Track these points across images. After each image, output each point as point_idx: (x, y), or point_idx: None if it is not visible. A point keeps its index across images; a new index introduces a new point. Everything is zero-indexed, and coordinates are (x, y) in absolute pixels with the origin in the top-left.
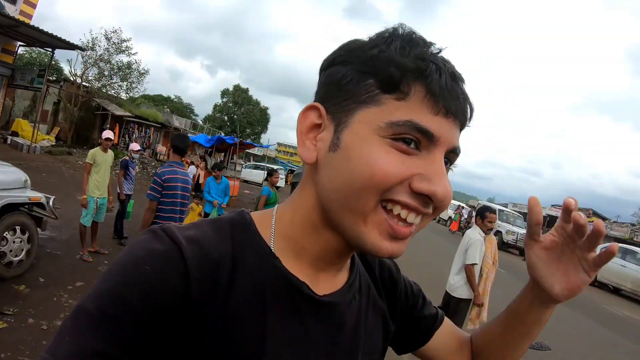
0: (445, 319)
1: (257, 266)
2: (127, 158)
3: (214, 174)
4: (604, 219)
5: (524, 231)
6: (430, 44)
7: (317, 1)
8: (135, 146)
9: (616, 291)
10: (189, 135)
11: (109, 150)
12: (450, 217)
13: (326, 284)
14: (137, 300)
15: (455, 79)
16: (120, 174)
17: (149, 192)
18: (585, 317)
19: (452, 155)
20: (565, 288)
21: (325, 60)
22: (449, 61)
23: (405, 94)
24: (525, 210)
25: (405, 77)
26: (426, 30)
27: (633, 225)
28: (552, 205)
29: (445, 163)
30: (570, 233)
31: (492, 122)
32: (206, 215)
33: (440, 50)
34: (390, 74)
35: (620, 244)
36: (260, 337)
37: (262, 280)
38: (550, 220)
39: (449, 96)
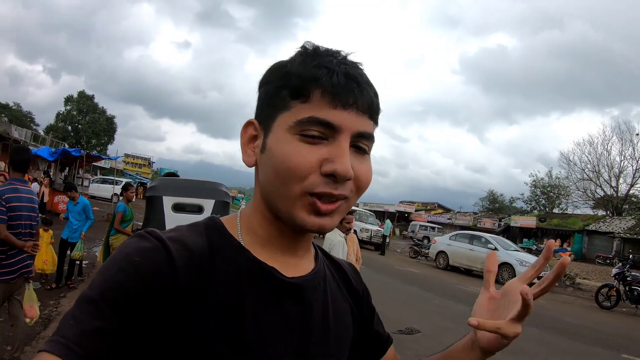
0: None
1: (231, 258)
2: None
3: (68, 195)
4: (448, 210)
5: (376, 228)
6: (336, 52)
7: (169, 5)
8: None
9: (468, 272)
10: (29, 148)
11: None
12: None
13: (294, 269)
14: (131, 283)
15: (349, 76)
16: None
17: None
18: (443, 297)
19: (363, 140)
20: (487, 340)
21: (259, 83)
22: (349, 63)
23: (306, 97)
24: (377, 209)
25: (304, 84)
26: (277, 38)
27: (475, 213)
28: (400, 202)
29: (360, 148)
30: (508, 296)
31: None
32: (62, 241)
33: (346, 56)
34: (294, 84)
35: (466, 231)
36: (240, 319)
37: (237, 269)
38: (399, 216)
39: (343, 92)
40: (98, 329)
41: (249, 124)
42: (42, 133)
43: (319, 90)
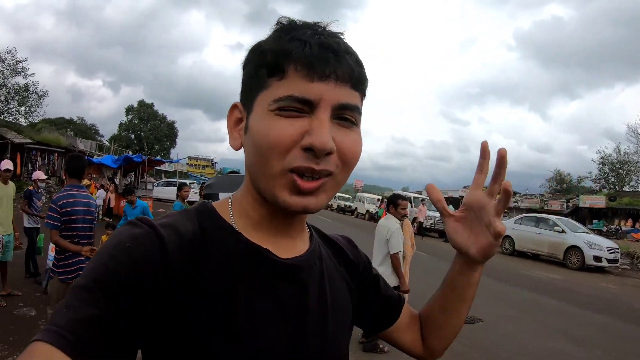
0: (405, 313)
1: (224, 242)
2: (32, 188)
3: (127, 199)
4: (514, 193)
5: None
6: (313, 24)
7: (218, 10)
8: (40, 175)
9: (535, 257)
10: (83, 155)
11: (9, 182)
12: (368, 211)
13: (288, 250)
14: (124, 271)
15: (324, 46)
16: (23, 205)
17: (46, 221)
18: (507, 284)
19: (347, 111)
20: (479, 249)
21: (242, 64)
22: (326, 33)
23: (282, 72)
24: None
25: (278, 59)
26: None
27: (542, 195)
28: (464, 187)
29: (345, 120)
30: (474, 208)
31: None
32: None
33: (324, 27)
34: (269, 61)
35: (534, 214)
36: (234, 302)
37: (229, 252)
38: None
39: (319, 63)
40: (91, 316)
41: (233, 107)
42: (106, 143)
43: (293, 64)
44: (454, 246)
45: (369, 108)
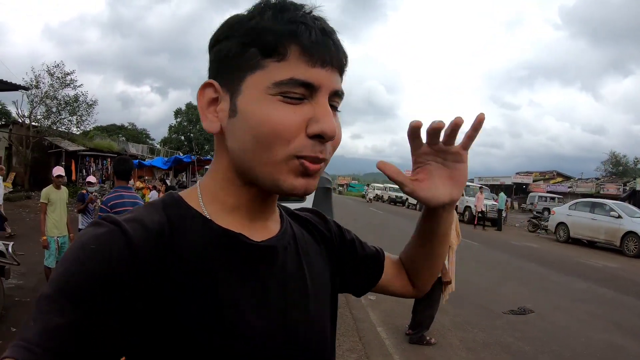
0: (388, 262)
1: (194, 231)
2: (84, 192)
3: None
4: (568, 178)
5: (491, 202)
6: (301, 6)
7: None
8: (91, 179)
9: (591, 244)
10: (130, 158)
11: (62, 187)
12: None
13: (261, 232)
14: (89, 274)
15: (326, 33)
16: (78, 206)
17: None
18: (561, 273)
19: (336, 98)
20: (446, 194)
21: (211, 39)
22: (320, 18)
23: (283, 55)
24: (492, 182)
25: (280, 40)
26: (367, 22)
27: (597, 179)
28: (517, 173)
29: (333, 106)
30: (429, 152)
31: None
32: None
33: (311, 11)
34: (268, 41)
35: (589, 199)
36: (213, 291)
37: (203, 241)
38: (516, 188)
39: (322, 49)
40: (58, 326)
41: (207, 85)
42: (157, 146)
43: (298, 48)
44: (421, 202)
45: (417, 94)
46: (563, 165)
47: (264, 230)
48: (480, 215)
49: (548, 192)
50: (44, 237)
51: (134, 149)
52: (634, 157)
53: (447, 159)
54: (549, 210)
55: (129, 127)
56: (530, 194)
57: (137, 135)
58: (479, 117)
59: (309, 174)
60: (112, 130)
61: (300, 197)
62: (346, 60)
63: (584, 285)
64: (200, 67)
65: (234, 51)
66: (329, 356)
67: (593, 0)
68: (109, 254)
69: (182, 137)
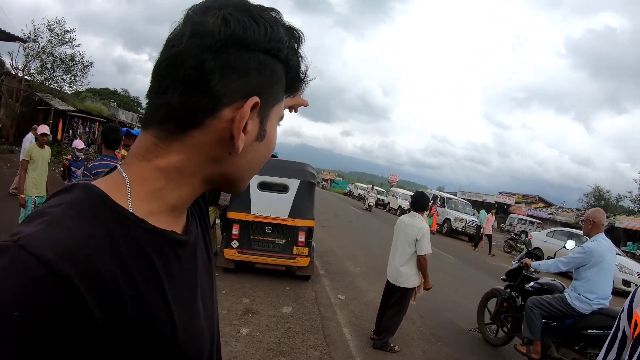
0: None
1: (134, 237)
2: (70, 157)
3: None
4: (550, 205)
5: (472, 218)
6: (296, 34)
7: None
8: (79, 144)
9: (563, 273)
10: (120, 127)
11: (45, 146)
12: (400, 207)
13: (180, 223)
14: (22, 356)
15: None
16: (60, 173)
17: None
18: None
19: None
20: None
21: (245, 32)
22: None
23: (292, 95)
24: (475, 198)
25: (299, 85)
26: (374, 22)
27: (578, 210)
28: (500, 193)
29: None
30: None
31: (438, 112)
32: None
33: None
34: (296, 85)
35: (567, 229)
36: (164, 298)
37: (143, 246)
38: (497, 208)
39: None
40: None
41: (256, 104)
42: None
43: (297, 91)
44: None
45: (412, 101)
46: (547, 191)
47: (179, 221)
48: (486, 238)
49: (528, 215)
50: (22, 195)
51: (123, 115)
52: (617, 193)
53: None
54: (526, 233)
55: (122, 94)
56: (510, 215)
57: (129, 102)
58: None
59: None
60: (104, 94)
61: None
62: None
63: None
64: None
65: (278, 76)
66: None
67: (599, 35)
68: (46, 326)
69: None
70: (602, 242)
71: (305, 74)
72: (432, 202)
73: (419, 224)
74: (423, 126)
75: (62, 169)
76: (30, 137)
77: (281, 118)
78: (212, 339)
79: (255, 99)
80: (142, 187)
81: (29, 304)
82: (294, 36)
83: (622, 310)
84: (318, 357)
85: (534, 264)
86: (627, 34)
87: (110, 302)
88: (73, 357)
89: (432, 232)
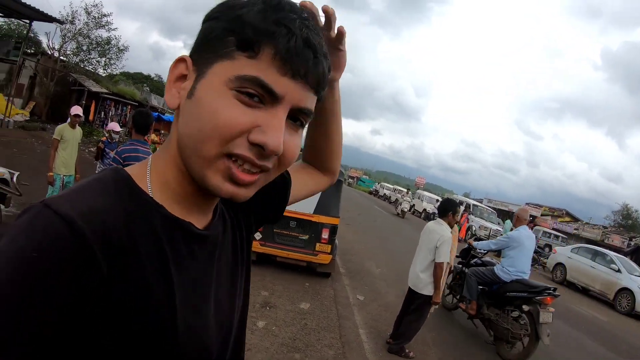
0: (292, 171)
1: (148, 219)
2: (105, 139)
3: None
4: (576, 219)
5: (497, 227)
6: (300, 11)
7: None
8: (115, 126)
9: (584, 291)
10: (151, 112)
11: (77, 126)
12: (425, 210)
13: (201, 219)
14: (36, 291)
15: (309, 44)
16: (95, 154)
17: None
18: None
19: (302, 115)
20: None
21: (205, 15)
22: (312, 28)
23: (255, 53)
24: (501, 207)
25: (257, 37)
26: (411, 22)
27: (605, 227)
28: (527, 204)
29: (296, 121)
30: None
31: (469, 116)
32: None
33: (308, 17)
34: (246, 34)
35: (591, 246)
36: (169, 282)
37: (157, 230)
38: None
39: (298, 59)
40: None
41: (180, 60)
42: None
43: (272, 51)
44: None
45: (443, 104)
46: (574, 205)
47: (203, 217)
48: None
49: (553, 229)
50: (51, 173)
51: (155, 101)
52: None
53: (330, 45)
54: (550, 247)
55: (155, 79)
56: (536, 227)
57: (161, 88)
58: (323, 8)
59: (238, 182)
60: (138, 78)
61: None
62: (325, 80)
63: (571, 332)
64: None
65: (215, 34)
66: (243, 339)
67: (637, 47)
68: (58, 268)
69: None
70: (522, 232)
71: (275, 30)
72: (463, 209)
73: (441, 230)
74: (453, 130)
75: (96, 149)
76: None
77: (245, 80)
78: (224, 342)
79: (181, 56)
80: (157, 177)
81: (48, 252)
82: (264, 1)
83: None
84: (332, 356)
85: (474, 243)
86: None
87: (117, 267)
88: (78, 305)
89: (459, 240)
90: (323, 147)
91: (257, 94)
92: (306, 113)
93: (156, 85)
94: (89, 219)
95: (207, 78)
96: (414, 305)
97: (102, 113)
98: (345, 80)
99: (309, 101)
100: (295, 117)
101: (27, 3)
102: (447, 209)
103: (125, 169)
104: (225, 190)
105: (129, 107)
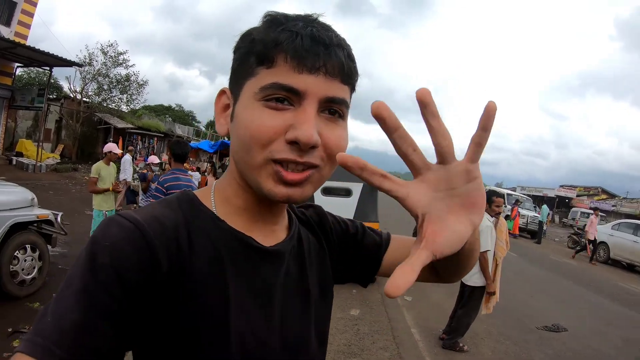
0: (393, 236)
1: (208, 230)
2: (145, 172)
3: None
4: (613, 196)
5: (533, 214)
6: (302, 17)
7: (308, 1)
8: (154, 159)
9: (630, 268)
10: (188, 142)
11: (111, 163)
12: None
13: (269, 237)
14: (105, 272)
15: (315, 39)
16: (144, 186)
17: (152, 201)
18: (599, 295)
19: (335, 105)
20: (463, 232)
21: (233, 49)
22: (317, 25)
23: (271, 62)
24: (535, 193)
25: (267, 48)
26: (420, 19)
27: None
28: (561, 186)
29: (333, 114)
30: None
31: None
32: None
33: (315, 19)
34: (258, 49)
35: (632, 220)
36: (224, 291)
37: (215, 241)
38: (558, 202)
39: (308, 55)
40: (76, 323)
41: (222, 92)
42: (203, 129)
43: (283, 55)
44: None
45: (464, 96)
46: (608, 182)
47: (272, 235)
48: (591, 246)
49: (591, 208)
50: (115, 182)
51: (180, 130)
52: None
53: (454, 186)
54: None
55: (176, 109)
56: (573, 209)
57: (183, 116)
58: (488, 107)
59: (288, 183)
60: (160, 110)
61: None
62: (348, 67)
63: (620, 310)
64: None
65: (240, 61)
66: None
67: None
68: (125, 253)
69: None
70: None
71: (279, 37)
72: (514, 203)
73: None
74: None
75: (146, 182)
76: (128, 157)
77: (267, 88)
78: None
79: (222, 89)
80: (219, 194)
81: (115, 239)
82: (269, 20)
83: None
84: (388, 357)
85: None
86: None
87: (175, 269)
88: (142, 291)
89: (514, 236)
90: (446, 270)
91: (285, 97)
92: (338, 102)
93: (178, 115)
94: (152, 224)
95: (241, 99)
96: (464, 298)
97: (129, 147)
98: (363, 87)
99: (337, 90)
100: (331, 109)
101: (47, 51)
102: (488, 200)
103: (193, 190)
104: (279, 193)
105: (155, 139)
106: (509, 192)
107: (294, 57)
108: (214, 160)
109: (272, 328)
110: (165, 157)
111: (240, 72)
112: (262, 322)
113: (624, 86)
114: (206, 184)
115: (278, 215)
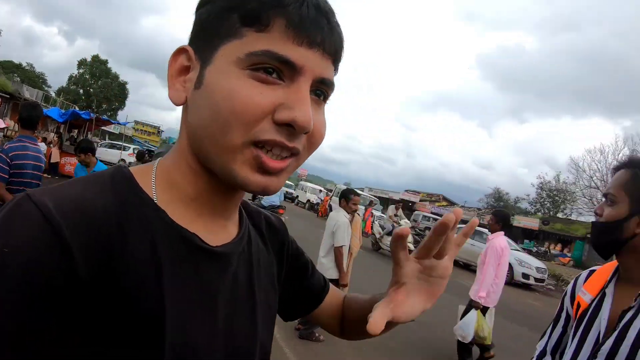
0: (330, 285)
1: (145, 223)
2: None
3: (80, 158)
4: (453, 203)
5: (379, 213)
6: None
7: None
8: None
9: (466, 267)
10: (40, 105)
11: None
12: (309, 200)
13: (218, 235)
14: (7, 296)
15: (320, 10)
16: None
17: None
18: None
19: (324, 87)
20: (417, 310)
21: (198, 2)
22: None
23: (265, 25)
24: (381, 195)
25: (264, 8)
26: None
27: (479, 209)
28: (406, 191)
29: (319, 96)
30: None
31: (348, 108)
32: None
33: None
34: (251, 7)
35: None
36: (159, 297)
37: (152, 236)
38: (403, 205)
39: (312, 27)
40: None
41: (180, 51)
42: (53, 95)
43: (283, 20)
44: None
45: (336, 94)
46: (450, 191)
47: (222, 231)
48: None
49: (432, 212)
50: None
51: (28, 92)
52: (515, 196)
53: (433, 274)
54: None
55: (27, 68)
56: (415, 212)
57: (34, 78)
58: (472, 222)
59: (269, 171)
60: (8, 68)
61: (261, 195)
62: (341, 48)
63: (453, 299)
64: (117, 20)
65: (214, 16)
66: None
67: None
68: (29, 264)
69: (81, 91)
70: None
71: None
72: (367, 204)
73: (337, 216)
74: (335, 123)
75: None
76: None
77: (258, 55)
78: None
79: (181, 47)
80: (163, 176)
81: (15, 244)
82: None
83: (565, 294)
84: None
85: None
86: (535, 51)
87: (101, 272)
88: (49, 312)
89: (366, 235)
90: (361, 328)
91: (275, 69)
92: (328, 84)
93: (28, 75)
94: (70, 214)
95: (215, 63)
96: None
97: None
98: None
99: (329, 71)
100: (318, 90)
101: None
102: (340, 196)
103: (130, 167)
104: (255, 182)
105: (0, 99)
106: (364, 194)
107: (296, 26)
108: (61, 130)
109: (214, 340)
110: (8, 121)
111: (215, 29)
112: (203, 334)
113: (473, 109)
114: (50, 157)
115: (232, 209)
